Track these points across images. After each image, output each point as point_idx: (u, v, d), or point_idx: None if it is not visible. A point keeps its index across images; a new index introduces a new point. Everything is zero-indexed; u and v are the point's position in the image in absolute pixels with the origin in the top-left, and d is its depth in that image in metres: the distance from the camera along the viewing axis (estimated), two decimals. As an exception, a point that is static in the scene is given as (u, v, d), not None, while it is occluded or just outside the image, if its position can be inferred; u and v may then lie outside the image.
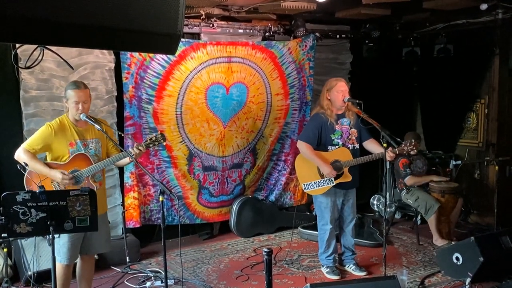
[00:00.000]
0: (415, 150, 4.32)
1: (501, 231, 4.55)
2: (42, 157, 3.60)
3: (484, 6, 5.02)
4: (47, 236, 3.12)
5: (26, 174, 3.47)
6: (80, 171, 3.50)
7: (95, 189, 3.34)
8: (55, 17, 1.93)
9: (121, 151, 3.62)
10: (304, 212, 6.25)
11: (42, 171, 3.43)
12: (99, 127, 3.52)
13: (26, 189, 3.42)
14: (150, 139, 3.67)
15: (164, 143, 3.84)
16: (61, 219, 2.94)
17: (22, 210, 2.87)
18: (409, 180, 5.54)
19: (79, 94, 3.48)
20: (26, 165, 3.36)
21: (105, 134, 3.57)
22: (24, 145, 3.47)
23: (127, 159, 3.65)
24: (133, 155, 3.52)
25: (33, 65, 2.64)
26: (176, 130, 5.39)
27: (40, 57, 2.59)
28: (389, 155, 4.13)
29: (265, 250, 2.89)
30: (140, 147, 3.58)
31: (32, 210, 2.88)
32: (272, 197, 6.15)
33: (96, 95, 4.94)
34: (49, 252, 3.33)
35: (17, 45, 3.39)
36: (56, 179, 3.43)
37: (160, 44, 2.35)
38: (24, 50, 4.12)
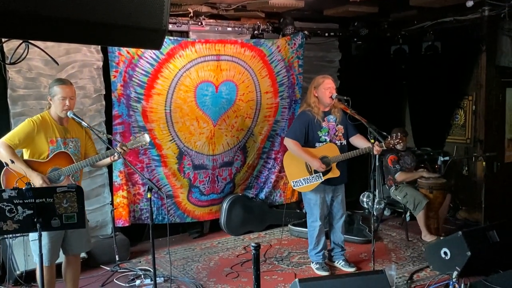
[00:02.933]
0: (401, 144, 4.36)
1: (488, 226, 4.59)
2: (18, 153, 3.51)
3: (470, 3, 5.07)
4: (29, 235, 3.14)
5: (3, 171, 3.42)
6: (60, 169, 3.48)
7: None
8: (41, 11, 1.93)
9: (108, 148, 3.61)
10: (294, 209, 6.27)
11: (22, 170, 3.36)
12: (86, 124, 3.51)
13: (2, 186, 3.39)
14: (135, 139, 3.71)
15: (147, 143, 3.83)
16: (48, 216, 2.92)
17: (9, 207, 2.85)
18: (399, 176, 5.58)
19: (66, 90, 3.46)
20: (12, 162, 3.32)
21: (93, 131, 3.56)
22: (4, 139, 3.38)
23: (108, 160, 3.64)
24: (120, 152, 3.52)
25: (18, 61, 2.62)
26: (166, 129, 5.38)
27: (25, 53, 2.58)
28: (376, 149, 4.16)
29: (253, 244, 2.89)
30: (124, 147, 3.59)
31: (19, 207, 2.86)
32: (262, 195, 6.16)
33: (84, 93, 4.93)
34: (36, 252, 3.34)
35: (3, 41, 3.36)
36: (34, 182, 3.35)
37: (145, 39, 2.35)
38: (11, 49, 4.11)
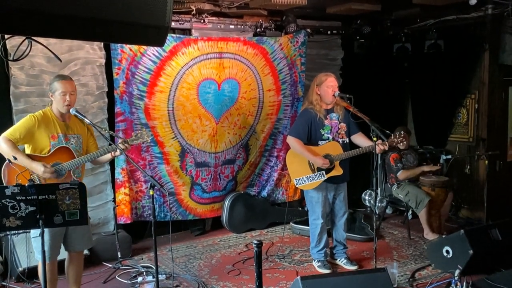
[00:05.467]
0: (405, 142, 4.35)
1: (490, 224, 4.59)
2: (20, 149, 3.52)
3: (473, 1, 5.04)
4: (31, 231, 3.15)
5: (4, 166, 3.43)
6: (62, 164, 3.49)
7: None
8: (44, 8, 1.94)
9: (110, 144, 3.62)
10: (296, 207, 6.27)
11: (23, 163, 3.37)
12: (89, 121, 3.52)
13: (3, 181, 3.41)
14: (136, 135, 3.72)
15: (149, 140, 3.84)
16: (50, 212, 2.93)
17: (11, 203, 2.86)
18: (401, 175, 5.57)
19: (66, 85, 3.47)
20: (15, 158, 3.33)
21: (95, 128, 3.56)
22: (5, 134, 3.40)
23: (108, 156, 3.64)
24: (123, 149, 3.53)
25: (21, 57, 2.63)
26: (168, 126, 5.39)
27: (28, 50, 2.58)
28: (380, 148, 4.15)
29: (255, 242, 2.89)
30: (126, 144, 3.60)
31: (22, 203, 2.87)
32: (264, 193, 6.16)
33: (87, 91, 4.94)
34: (37, 249, 3.36)
35: (6, 37, 3.37)
36: (37, 171, 3.38)
37: (148, 36, 2.36)
38: (14, 46, 4.11)
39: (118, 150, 3.55)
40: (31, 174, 3.41)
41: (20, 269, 4.34)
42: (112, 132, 4.56)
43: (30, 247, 4.37)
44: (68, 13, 2.01)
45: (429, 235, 5.40)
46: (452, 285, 3.85)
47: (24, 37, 2.54)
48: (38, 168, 3.38)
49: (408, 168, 5.65)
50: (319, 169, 4.43)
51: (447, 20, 5.93)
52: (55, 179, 3.42)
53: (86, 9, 2.04)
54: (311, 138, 4.45)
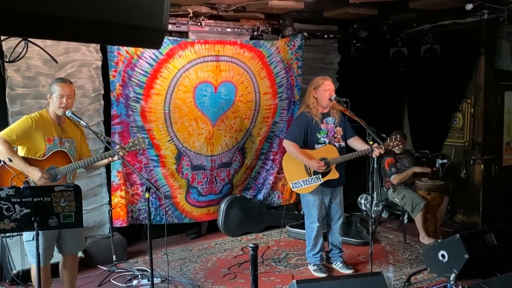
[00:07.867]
0: (400, 146, 4.36)
1: (486, 229, 4.60)
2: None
3: (469, 6, 5.07)
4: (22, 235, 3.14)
5: None
6: (57, 168, 3.47)
7: None
8: (40, 10, 1.93)
9: (108, 149, 3.61)
10: (292, 211, 6.26)
11: (20, 166, 3.36)
12: (84, 123, 3.51)
13: None
14: (133, 142, 3.72)
15: (145, 147, 3.83)
16: (45, 215, 2.91)
17: (6, 206, 2.83)
18: (394, 179, 5.58)
19: (64, 88, 3.46)
20: (10, 160, 3.31)
21: (91, 130, 3.55)
22: (1, 135, 3.37)
23: (105, 160, 3.64)
24: (119, 154, 3.52)
25: (17, 59, 2.62)
26: (164, 129, 5.38)
27: (24, 51, 2.57)
28: (376, 152, 4.16)
29: (251, 245, 2.89)
30: (123, 150, 3.59)
31: (16, 206, 2.85)
32: (260, 196, 6.15)
33: (83, 93, 4.92)
34: (31, 252, 3.34)
35: (2, 38, 3.35)
36: (33, 177, 3.36)
37: (145, 39, 2.35)
38: (10, 47, 4.10)
39: (116, 155, 3.53)
40: (26, 177, 3.39)
41: (15, 271, 4.31)
42: (108, 138, 4.53)
43: (25, 250, 4.34)
44: (65, 15, 2.00)
45: (425, 239, 5.40)
46: (448, 289, 3.86)
47: (20, 39, 2.53)
48: (35, 174, 3.36)
49: (401, 171, 5.65)
50: (315, 173, 4.43)
51: (443, 25, 5.96)
52: (50, 183, 3.40)
53: (83, 11, 2.04)
54: (307, 142, 4.45)
